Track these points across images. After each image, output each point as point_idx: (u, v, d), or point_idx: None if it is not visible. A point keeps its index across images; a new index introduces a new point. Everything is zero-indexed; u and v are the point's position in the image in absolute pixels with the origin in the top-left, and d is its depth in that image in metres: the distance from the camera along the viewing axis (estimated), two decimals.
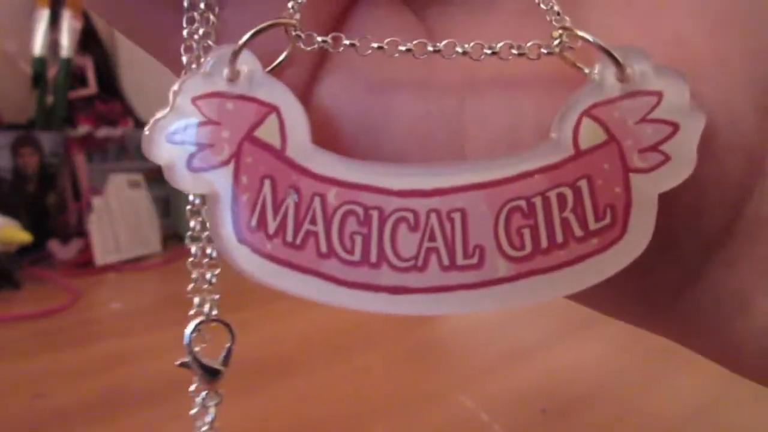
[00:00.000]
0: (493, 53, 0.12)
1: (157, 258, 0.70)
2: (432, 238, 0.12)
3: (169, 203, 0.86)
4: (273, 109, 0.12)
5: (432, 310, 0.12)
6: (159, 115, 0.12)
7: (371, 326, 0.47)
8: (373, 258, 0.12)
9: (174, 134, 0.12)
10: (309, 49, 0.12)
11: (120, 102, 0.82)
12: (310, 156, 0.12)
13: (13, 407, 0.33)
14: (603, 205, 0.12)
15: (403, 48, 0.12)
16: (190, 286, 0.13)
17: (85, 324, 0.48)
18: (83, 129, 0.76)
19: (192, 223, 0.13)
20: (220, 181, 0.12)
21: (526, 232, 0.12)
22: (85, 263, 0.64)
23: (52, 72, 0.75)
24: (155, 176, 0.83)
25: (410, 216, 0.12)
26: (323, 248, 0.12)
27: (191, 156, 0.12)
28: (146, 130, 0.12)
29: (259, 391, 0.35)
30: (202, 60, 0.12)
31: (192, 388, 0.14)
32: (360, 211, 0.12)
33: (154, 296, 0.58)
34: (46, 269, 0.62)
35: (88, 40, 0.80)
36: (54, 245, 0.66)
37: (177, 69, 0.13)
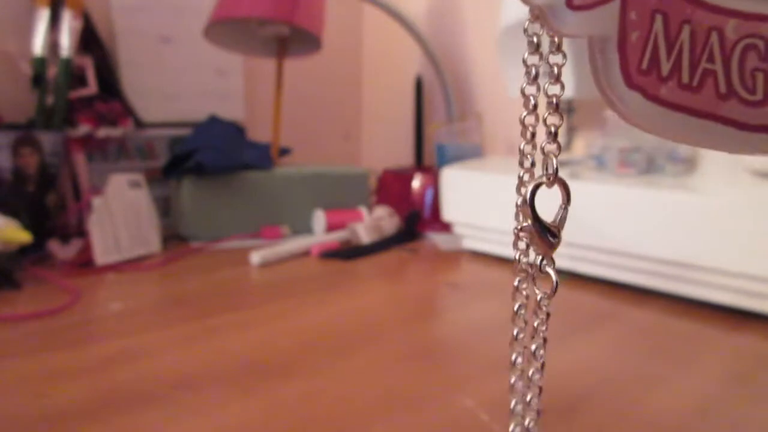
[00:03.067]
0: None
1: (157, 258, 0.70)
2: None
3: (169, 203, 0.86)
4: None
5: None
6: None
7: (372, 326, 0.47)
8: None
9: None
10: None
11: (120, 102, 0.82)
12: None
13: (13, 407, 0.33)
14: None
15: None
16: (522, 174, 0.14)
17: (85, 324, 0.48)
18: (83, 129, 0.76)
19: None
20: (606, 20, 0.11)
21: None
22: (85, 263, 0.64)
23: (52, 72, 0.75)
24: (155, 176, 0.83)
25: None
26: (722, 88, 0.11)
27: None
28: None
29: (259, 391, 0.35)
30: None
31: (515, 332, 0.15)
32: (761, 44, 0.11)
33: (154, 296, 0.57)
34: (46, 269, 0.63)
35: (88, 40, 0.80)
36: (54, 245, 0.66)
37: None
